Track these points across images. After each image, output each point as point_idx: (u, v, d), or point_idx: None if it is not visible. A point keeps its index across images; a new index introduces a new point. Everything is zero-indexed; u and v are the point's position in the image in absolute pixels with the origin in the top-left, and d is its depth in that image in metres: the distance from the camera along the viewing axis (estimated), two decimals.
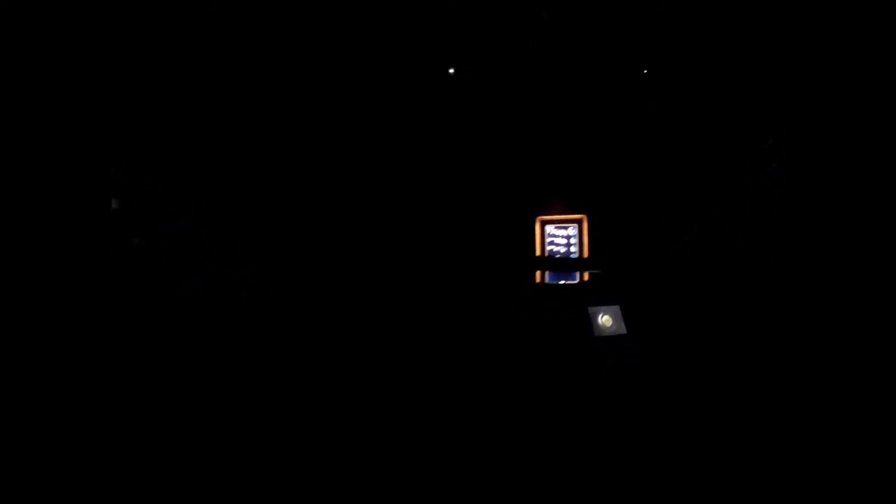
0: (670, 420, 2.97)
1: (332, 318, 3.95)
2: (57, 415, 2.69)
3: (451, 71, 4.51)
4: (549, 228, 5.33)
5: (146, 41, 3.69)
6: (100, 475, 2.43)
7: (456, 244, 4.81)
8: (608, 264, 4.71)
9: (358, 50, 4.42)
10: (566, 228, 5.32)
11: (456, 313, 3.94)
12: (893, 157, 2.66)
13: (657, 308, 3.87)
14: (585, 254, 5.16)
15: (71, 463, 2.48)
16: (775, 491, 2.40)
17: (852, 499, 2.31)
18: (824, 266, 2.92)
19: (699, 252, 4.49)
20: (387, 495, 2.45)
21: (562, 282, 5.17)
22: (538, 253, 5.24)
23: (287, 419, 2.98)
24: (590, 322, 3.34)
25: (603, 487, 2.50)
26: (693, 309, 3.83)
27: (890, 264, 2.59)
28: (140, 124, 3.69)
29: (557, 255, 5.27)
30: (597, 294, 3.67)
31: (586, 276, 4.96)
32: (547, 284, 5.14)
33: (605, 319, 3.37)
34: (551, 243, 5.31)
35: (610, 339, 3.34)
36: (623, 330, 3.37)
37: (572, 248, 5.27)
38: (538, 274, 5.14)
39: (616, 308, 3.42)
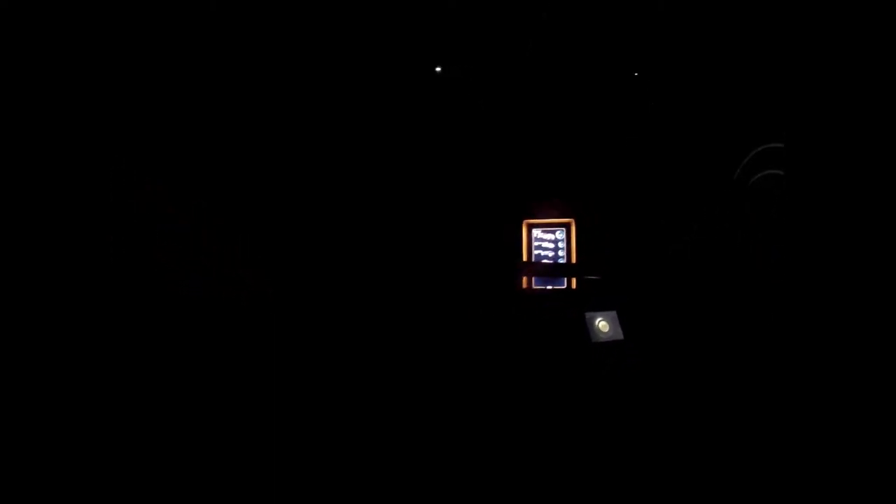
0: (671, 421, 2.97)
1: (331, 318, 3.95)
2: (57, 415, 2.69)
3: (438, 69, 4.47)
4: (537, 232, 5.24)
5: (146, 41, 3.69)
6: (100, 475, 2.43)
7: (444, 247, 4.79)
8: (604, 269, 4.67)
9: (357, 50, 4.42)
10: (554, 232, 5.22)
11: (454, 315, 3.94)
12: (894, 158, 2.66)
13: (656, 309, 3.87)
14: (573, 259, 5.07)
15: (71, 463, 2.48)
16: (775, 491, 2.40)
17: (852, 499, 2.31)
18: (825, 266, 2.92)
19: (699, 252, 4.49)
20: (387, 496, 2.45)
21: (549, 287, 5.08)
22: (525, 257, 5.15)
23: (287, 419, 2.98)
24: (587, 327, 3.34)
25: (603, 489, 2.50)
26: (693, 310, 3.83)
27: (891, 264, 2.59)
28: (140, 124, 3.69)
29: (544, 260, 5.18)
30: (594, 298, 3.67)
31: (574, 282, 4.86)
32: (534, 289, 5.04)
33: (601, 325, 3.37)
34: (538, 248, 5.23)
35: (608, 344, 3.34)
36: (620, 335, 3.37)
37: (560, 253, 5.18)
38: (525, 279, 5.05)
39: (613, 313, 3.42)
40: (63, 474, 2.40)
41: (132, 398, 2.91)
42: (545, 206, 5.21)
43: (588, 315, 3.35)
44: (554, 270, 5.02)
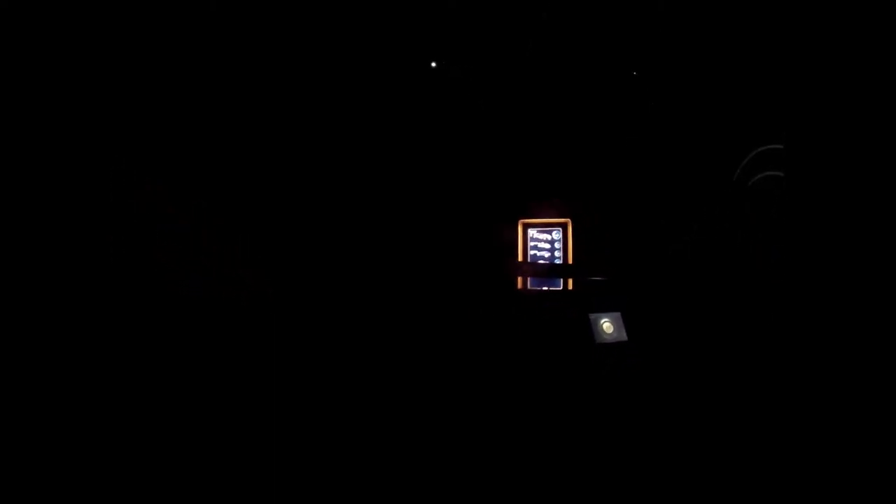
0: (673, 421, 2.97)
1: (331, 318, 3.95)
2: (57, 414, 2.69)
3: (434, 65, 4.44)
4: (532, 232, 5.15)
5: (146, 41, 3.69)
6: (100, 475, 2.43)
7: (441, 247, 4.77)
8: (602, 269, 4.65)
9: (357, 50, 4.42)
10: (550, 233, 5.13)
11: (453, 315, 3.94)
12: (894, 158, 2.66)
13: (657, 309, 3.87)
14: (570, 259, 5.01)
15: (71, 463, 2.48)
16: (776, 492, 2.40)
17: (853, 499, 2.31)
18: (825, 266, 2.92)
19: (699, 252, 4.49)
20: (388, 496, 2.45)
21: (545, 288, 5.01)
22: (520, 257, 5.08)
23: (287, 419, 2.98)
24: (590, 328, 3.34)
25: (604, 490, 2.50)
26: (693, 310, 3.83)
27: (891, 264, 2.59)
28: (140, 124, 3.69)
29: (541, 261, 5.11)
30: (595, 299, 3.66)
31: (570, 283, 4.80)
32: (531, 290, 4.97)
33: (605, 326, 3.38)
34: (534, 248, 5.15)
35: (611, 346, 3.34)
36: (624, 337, 3.37)
37: (556, 254, 5.11)
38: (520, 279, 4.98)
39: (617, 315, 3.42)
40: (63, 474, 2.39)
41: (132, 398, 2.91)
42: (541, 205, 5.13)
43: (592, 316, 3.35)
44: (551, 271, 4.97)
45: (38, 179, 3.18)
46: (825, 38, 3.00)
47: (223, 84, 4.07)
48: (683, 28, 4.20)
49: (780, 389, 2.92)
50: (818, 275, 2.96)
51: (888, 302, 2.59)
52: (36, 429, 2.60)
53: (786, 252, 3.38)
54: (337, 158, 4.61)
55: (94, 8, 3.42)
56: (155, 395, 2.97)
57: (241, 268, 3.98)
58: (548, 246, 5.13)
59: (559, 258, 5.09)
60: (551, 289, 4.95)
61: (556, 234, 5.11)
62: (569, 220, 5.07)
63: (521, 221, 5.12)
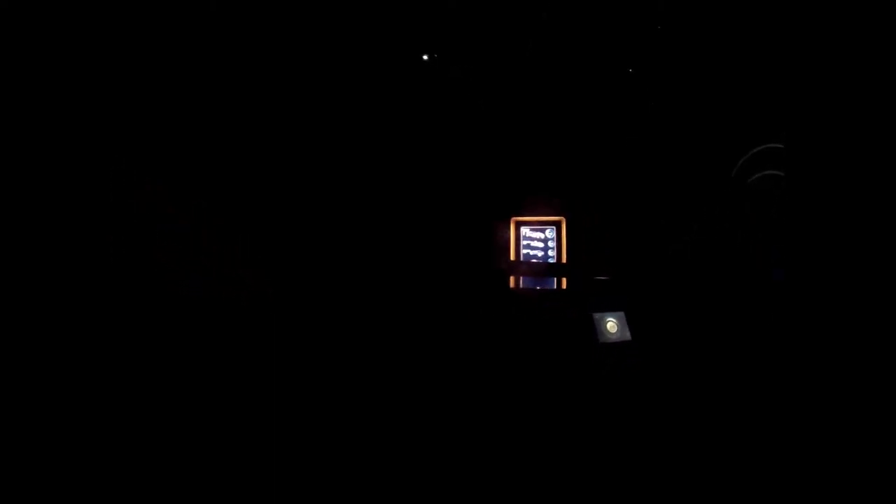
0: (673, 422, 2.97)
1: (331, 318, 3.95)
2: (57, 414, 2.69)
3: (425, 57, 4.39)
4: (525, 230, 5.04)
5: (145, 41, 3.69)
6: (100, 475, 2.43)
7: (437, 245, 4.74)
8: (597, 269, 4.62)
9: (356, 51, 4.42)
10: (543, 231, 5.02)
11: (452, 315, 3.94)
12: (894, 158, 2.66)
13: (656, 309, 3.87)
14: (564, 258, 4.90)
15: (71, 463, 2.48)
16: (776, 492, 2.40)
17: (855, 499, 2.31)
18: (825, 266, 2.92)
19: (699, 252, 4.49)
20: (388, 497, 2.44)
21: (538, 287, 4.93)
22: (512, 256, 4.97)
23: (287, 419, 2.97)
24: (594, 328, 3.34)
25: (605, 490, 2.50)
26: (693, 310, 3.83)
27: (891, 264, 2.59)
28: (140, 124, 3.69)
29: (533, 259, 4.99)
30: (597, 299, 3.65)
31: (564, 283, 4.72)
32: (523, 289, 4.86)
33: (609, 325, 3.37)
34: (527, 246, 5.04)
35: (614, 345, 3.34)
36: (627, 336, 3.37)
37: (550, 252, 4.99)
38: (512, 279, 4.88)
39: (621, 314, 3.41)
40: (63, 474, 2.39)
41: (132, 398, 2.91)
42: (535, 203, 5.00)
43: (597, 316, 3.35)
44: (549, 271, 4.89)
45: (39, 179, 3.18)
46: (826, 38, 3.00)
47: (223, 84, 4.07)
48: (684, 28, 4.21)
49: (782, 388, 2.92)
50: (818, 275, 2.96)
51: (888, 301, 2.59)
52: (36, 427, 2.59)
53: (786, 252, 3.38)
54: (336, 158, 4.61)
55: (94, 8, 3.43)
56: (155, 394, 2.97)
57: (241, 268, 3.98)
58: (541, 244, 5.02)
59: (552, 257, 4.99)
60: (545, 288, 4.85)
61: (550, 233, 4.99)
62: (563, 217, 4.97)
63: (513, 219, 5.01)
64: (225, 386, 3.14)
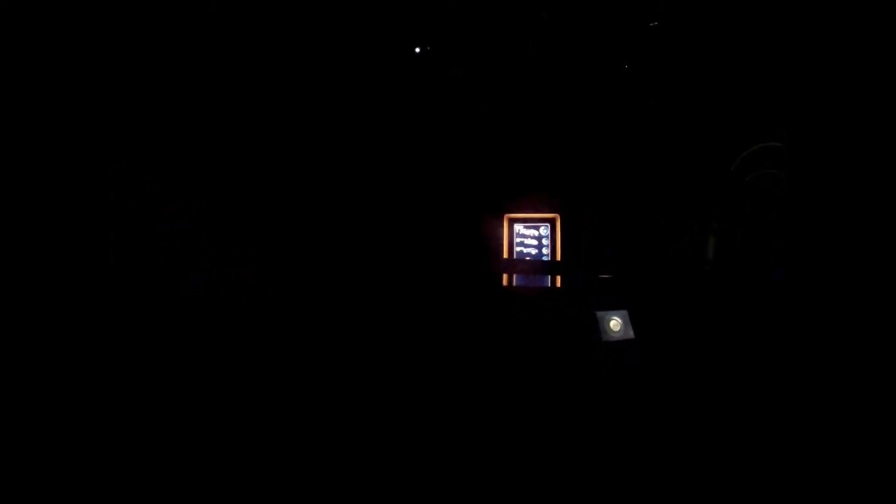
0: (676, 417, 2.97)
1: (331, 318, 3.95)
2: (57, 414, 2.69)
3: (417, 50, 4.34)
4: (519, 227, 4.91)
5: (145, 41, 3.69)
6: (100, 475, 2.43)
7: (433, 244, 4.70)
8: (606, 267, 4.61)
9: (356, 51, 4.42)
10: (537, 228, 4.90)
11: (451, 313, 3.94)
12: (894, 158, 2.66)
13: (656, 309, 3.87)
14: (558, 256, 4.81)
15: (71, 463, 2.48)
16: (777, 491, 2.40)
17: (853, 499, 2.31)
18: (826, 267, 2.92)
19: (699, 252, 4.49)
20: (389, 497, 2.44)
21: (529, 286, 4.81)
22: (505, 254, 4.87)
23: (287, 419, 2.97)
24: (598, 326, 3.34)
25: (606, 491, 2.50)
26: (693, 309, 3.83)
27: (892, 265, 2.59)
28: (140, 124, 3.69)
29: (527, 257, 4.88)
30: (597, 298, 3.65)
31: (559, 281, 4.65)
32: (523, 288, 4.77)
33: (613, 324, 3.37)
34: (520, 244, 4.92)
35: (617, 344, 3.34)
36: (631, 335, 3.37)
37: (544, 250, 4.87)
38: (505, 277, 4.80)
39: (624, 312, 3.41)
40: (63, 474, 2.39)
41: (132, 398, 2.91)
42: (529, 199, 4.88)
43: (600, 314, 3.35)
44: (548, 269, 4.83)
45: (39, 179, 3.18)
46: (826, 37, 3.00)
47: (223, 84, 4.07)
48: (684, 27, 4.20)
49: (782, 388, 2.92)
50: (818, 275, 2.96)
51: (889, 301, 2.59)
52: (37, 427, 2.59)
53: (786, 252, 3.38)
54: (335, 158, 4.61)
55: (94, 8, 3.42)
56: (155, 394, 2.97)
57: (241, 268, 3.98)
58: (535, 242, 4.90)
59: (546, 255, 4.88)
60: (539, 286, 4.77)
61: (544, 230, 4.88)
62: (557, 215, 4.86)
63: (506, 216, 4.88)
64: (225, 386, 3.14)
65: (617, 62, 4.58)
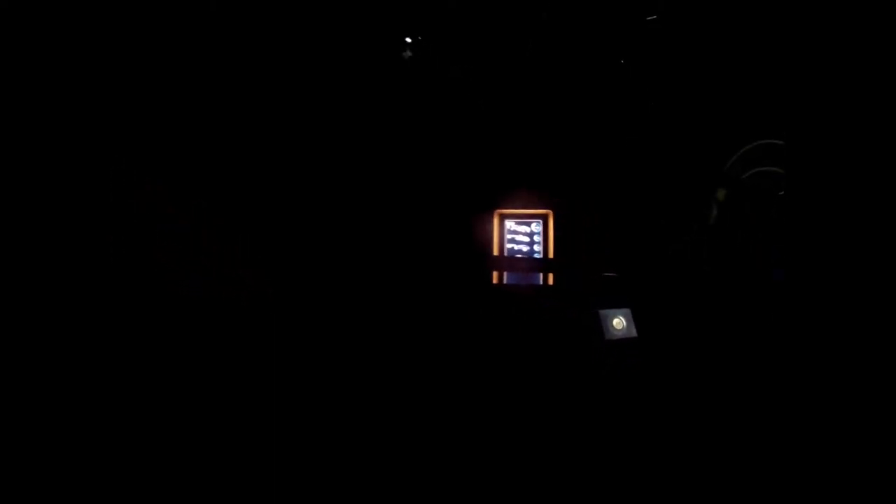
0: (676, 420, 2.97)
1: (331, 318, 3.95)
2: (56, 414, 2.68)
3: (409, 40, 4.32)
4: (510, 224, 4.78)
5: (145, 41, 3.69)
6: (100, 475, 2.43)
7: (430, 242, 4.67)
8: (588, 265, 4.58)
9: (356, 51, 4.42)
10: (529, 224, 4.75)
11: (450, 312, 3.94)
12: (894, 158, 2.67)
13: (655, 308, 3.87)
14: (551, 253, 4.72)
15: (71, 463, 2.47)
16: (778, 492, 2.40)
17: (853, 499, 2.31)
18: (826, 266, 2.92)
19: (699, 252, 4.49)
20: (389, 497, 2.44)
21: (520, 284, 4.74)
22: (496, 251, 4.78)
23: (287, 419, 2.97)
24: (601, 325, 3.35)
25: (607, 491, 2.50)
26: (692, 309, 3.83)
27: (892, 265, 2.59)
28: (140, 124, 3.68)
29: (518, 255, 4.79)
30: (596, 297, 3.66)
31: (551, 279, 4.58)
32: (521, 286, 4.71)
33: (616, 322, 3.38)
34: (511, 241, 4.78)
35: (619, 342, 3.35)
36: (633, 333, 3.38)
37: (536, 247, 4.74)
38: (496, 275, 4.73)
39: (627, 311, 3.42)
40: (63, 474, 2.39)
41: (132, 398, 2.90)
42: (521, 195, 4.77)
43: (602, 312, 3.36)
44: (549, 268, 4.77)
45: (38, 179, 3.17)
46: (826, 36, 3.00)
47: (222, 84, 4.07)
48: (684, 27, 4.21)
49: (783, 387, 2.93)
50: (819, 275, 2.96)
51: (889, 301, 2.59)
52: (35, 429, 2.59)
53: (786, 252, 3.38)
54: (333, 157, 4.61)
55: (93, 8, 3.42)
56: (155, 395, 2.97)
57: (241, 268, 3.98)
58: (526, 239, 4.76)
59: (538, 252, 4.76)
60: (530, 284, 4.69)
61: (536, 227, 4.73)
62: (550, 211, 4.73)
63: (497, 212, 4.76)
64: (225, 385, 3.13)
65: (616, 60, 4.58)
